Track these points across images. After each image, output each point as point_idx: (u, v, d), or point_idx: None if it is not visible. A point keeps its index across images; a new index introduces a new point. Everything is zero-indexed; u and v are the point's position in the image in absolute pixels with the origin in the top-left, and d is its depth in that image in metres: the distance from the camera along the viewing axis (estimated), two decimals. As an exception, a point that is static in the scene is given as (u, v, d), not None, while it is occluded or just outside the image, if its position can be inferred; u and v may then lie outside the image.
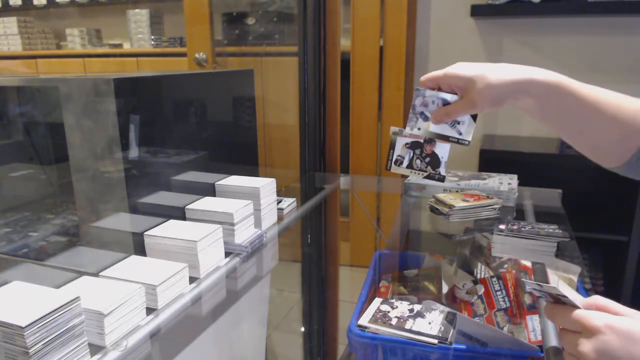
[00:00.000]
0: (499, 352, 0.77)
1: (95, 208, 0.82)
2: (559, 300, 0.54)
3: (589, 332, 0.49)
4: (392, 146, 0.77)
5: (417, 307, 0.87)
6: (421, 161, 0.77)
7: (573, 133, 0.68)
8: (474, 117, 0.74)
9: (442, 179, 0.76)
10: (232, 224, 0.89)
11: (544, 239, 0.95)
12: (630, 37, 2.03)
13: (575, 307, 0.52)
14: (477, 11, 2.05)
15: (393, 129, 0.77)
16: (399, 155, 0.77)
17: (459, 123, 0.74)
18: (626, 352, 0.47)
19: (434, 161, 0.76)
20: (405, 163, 0.77)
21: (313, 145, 1.64)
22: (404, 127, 0.76)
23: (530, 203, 1.30)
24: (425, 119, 0.75)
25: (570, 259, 0.94)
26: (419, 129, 0.75)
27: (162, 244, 0.81)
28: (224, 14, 2.55)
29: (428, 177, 0.77)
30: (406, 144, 0.77)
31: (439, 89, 0.73)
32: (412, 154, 0.77)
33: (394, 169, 0.78)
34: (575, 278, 0.90)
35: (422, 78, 0.73)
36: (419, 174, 0.77)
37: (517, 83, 0.64)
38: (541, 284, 0.54)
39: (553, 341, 0.67)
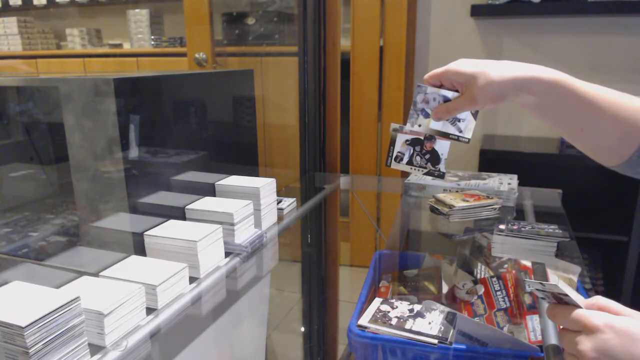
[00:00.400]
0: (499, 352, 0.77)
1: (95, 208, 0.82)
2: (560, 300, 0.54)
3: (588, 330, 0.49)
4: (392, 142, 0.78)
5: (417, 307, 0.87)
6: (421, 158, 0.77)
7: (573, 131, 0.68)
8: (475, 114, 0.74)
9: (441, 175, 0.77)
10: (232, 224, 0.89)
11: (544, 239, 0.95)
12: (630, 37, 2.03)
13: (577, 306, 0.52)
14: (477, 11, 2.05)
15: (393, 125, 0.77)
16: (399, 152, 0.77)
17: (459, 120, 0.74)
18: (625, 351, 0.47)
19: (434, 158, 0.76)
20: (405, 159, 0.77)
21: (313, 145, 1.64)
22: (405, 124, 0.77)
23: (530, 203, 1.30)
24: (426, 115, 0.75)
25: (570, 259, 0.94)
26: (419, 125, 0.76)
27: (162, 244, 0.81)
28: (224, 14, 2.55)
29: (428, 173, 0.77)
30: (406, 140, 0.77)
31: (441, 86, 0.73)
32: (412, 151, 0.77)
33: (394, 165, 0.78)
34: (575, 278, 0.90)
35: (426, 76, 0.73)
36: (418, 170, 0.77)
37: (518, 80, 0.65)
38: (543, 282, 0.54)
39: (553, 340, 0.67)
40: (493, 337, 0.78)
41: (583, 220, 1.89)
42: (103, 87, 0.76)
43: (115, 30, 3.72)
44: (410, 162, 0.77)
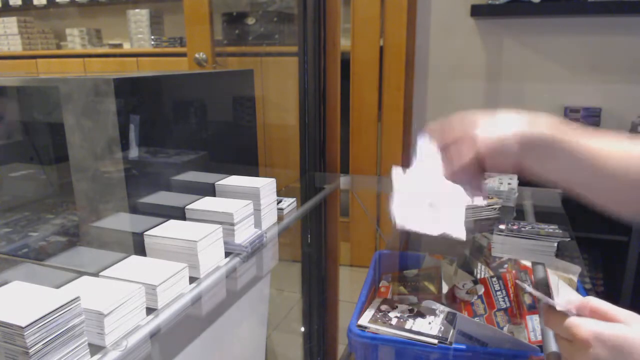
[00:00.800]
0: (499, 352, 0.77)
1: (95, 208, 0.82)
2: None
3: (579, 344, 0.48)
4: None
5: (417, 307, 0.87)
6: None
7: (578, 189, 0.63)
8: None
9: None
10: (232, 224, 0.89)
11: (544, 239, 0.95)
12: (630, 37, 2.03)
13: (566, 313, 0.51)
14: (477, 11, 2.05)
15: (395, 169, 0.72)
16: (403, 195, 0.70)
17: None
18: None
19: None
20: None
21: (313, 145, 1.64)
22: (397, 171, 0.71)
23: (530, 203, 1.30)
24: (430, 167, 0.70)
25: (570, 259, 0.94)
26: (423, 176, 0.70)
27: (162, 244, 0.81)
28: (224, 14, 2.55)
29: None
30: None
31: (446, 145, 0.69)
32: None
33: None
34: (575, 278, 0.90)
35: (429, 129, 0.70)
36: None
37: (506, 139, 0.61)
38: (526, 286, 0.54)
39: (554, 346, 0.66)
40: (493, 337, 0.78)
41: (583, 220, 1.89)
42: (103, 87, 0.76)
43: (115, 30, 3.72)
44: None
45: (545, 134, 0.60)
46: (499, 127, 0.63)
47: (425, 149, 0.69)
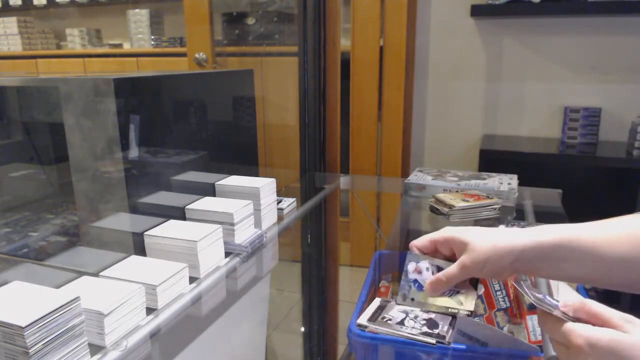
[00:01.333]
0: (499, 352, 0.77)
1: (95, 208, 0.82)
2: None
3: (573, 350, 0.48)
4: (382, 309, 0.70)
5: (417, 307, 0.86)
6: (415, 322, 0.69)
7: (596, 282, 0.63)
8: (475, 285, 0.69)
9: (442, 337, 0.66)
10: (232, 224, 0.89)
11: (544, 239, 0.95)
12: (630, 37, 2.03)
13: (559, 316, 0.51)
14: (477, 11, 2.05)
15: (382, 299, 0.71)
16: (387, 315, 0.69)
17: (458, 292, 0.68)
18: None
19: (432, 324, 0.68)
20: (395, 321, 0.69)
21: (313, 145, 1.64)
22: (393, 294, 0.71)
23: (530, 203, 1.30)
24: (420, 287, 0.69)
25: (570, 259, 0.94)
26: (412, 299, 0.69)
27: (162, 244, 0.81)
28: (224, 14, 2.55)
29: (425, 334, 0.67)
30: (398, 309, 0.70)
31: (435, 255, 0.69)
32: (405, 316, 0.69)
33: (379, 325, 0.67)
34: (575, 278, 0.90)
35: (415, 242, 0.69)
36: (409, 333, 0.67)
37: (513, 247, 0.62)
38: (524, 291, 0.54)
39: (554, 351, 0.66)
40: (493, 337, 0.78)
41: (583, 220, 1.88)
42: (103, 87, 0.76)
43: (115, 30, 3.72)
44: (401, 323, 0.68)
45: (553, 238, 0.61)
46: (489, 237, 0.63)
47: (413, 264, 0.69)
